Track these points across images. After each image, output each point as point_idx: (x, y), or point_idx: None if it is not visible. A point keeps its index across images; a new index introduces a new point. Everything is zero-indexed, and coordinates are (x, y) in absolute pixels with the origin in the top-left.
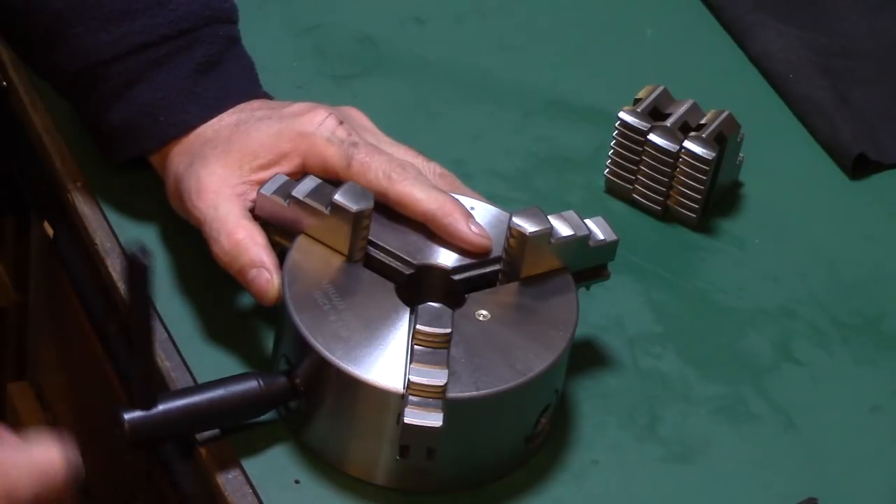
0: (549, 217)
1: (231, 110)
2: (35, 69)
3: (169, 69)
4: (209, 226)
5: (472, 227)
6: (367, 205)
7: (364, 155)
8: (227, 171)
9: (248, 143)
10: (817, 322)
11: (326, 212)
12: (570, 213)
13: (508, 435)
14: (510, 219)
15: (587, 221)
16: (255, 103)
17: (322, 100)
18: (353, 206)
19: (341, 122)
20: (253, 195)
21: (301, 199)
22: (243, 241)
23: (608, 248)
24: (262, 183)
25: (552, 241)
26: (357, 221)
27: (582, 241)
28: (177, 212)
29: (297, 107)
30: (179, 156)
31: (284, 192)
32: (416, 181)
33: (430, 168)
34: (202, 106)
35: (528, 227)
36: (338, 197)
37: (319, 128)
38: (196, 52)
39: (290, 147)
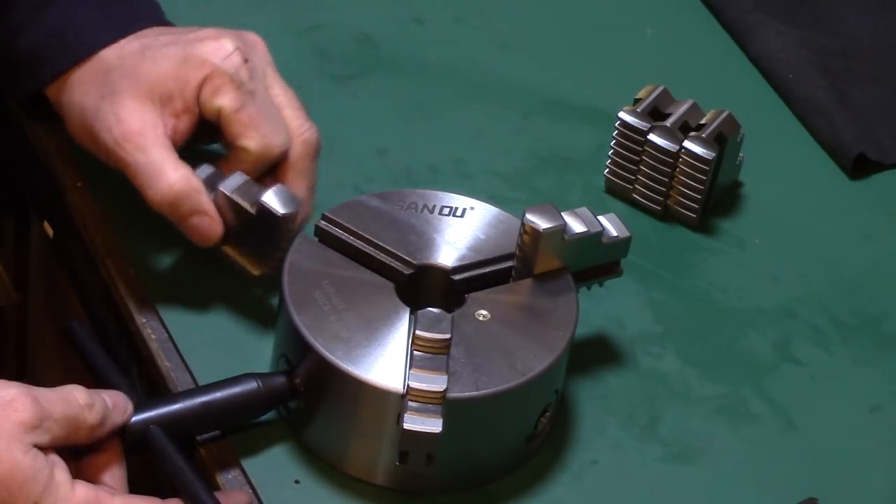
0: (562, 214)
1: (134, 35)
2: None
3: None
4: (141, 171)
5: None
6: (294, 209)
7: (255, 110)
8: (143, 108)
9: (155, 71)
10: (817, 322)
11: (252, 211)
12: (584, 210)
13: (508, 435)
14: (523, 215)
15: (600, 218)
16: (159, 29)
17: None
18: (280, 210)
19: (246, 61)
20: (171, 128)
21: (228, 194)
22: (183, 190)
23: (621, 245)
24: (177, 117)
25: (565, 237)
26: (284, 224)
27: (595, 238)
28: (82, 145)
29: (202, 32)
30: (83, 84)
31: (210, 183)
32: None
33: (302, 139)
34: (113, 27)
35: (541, 223)
36: (264, 198)
37: (224, 61)
38: None
39: (194, 74)
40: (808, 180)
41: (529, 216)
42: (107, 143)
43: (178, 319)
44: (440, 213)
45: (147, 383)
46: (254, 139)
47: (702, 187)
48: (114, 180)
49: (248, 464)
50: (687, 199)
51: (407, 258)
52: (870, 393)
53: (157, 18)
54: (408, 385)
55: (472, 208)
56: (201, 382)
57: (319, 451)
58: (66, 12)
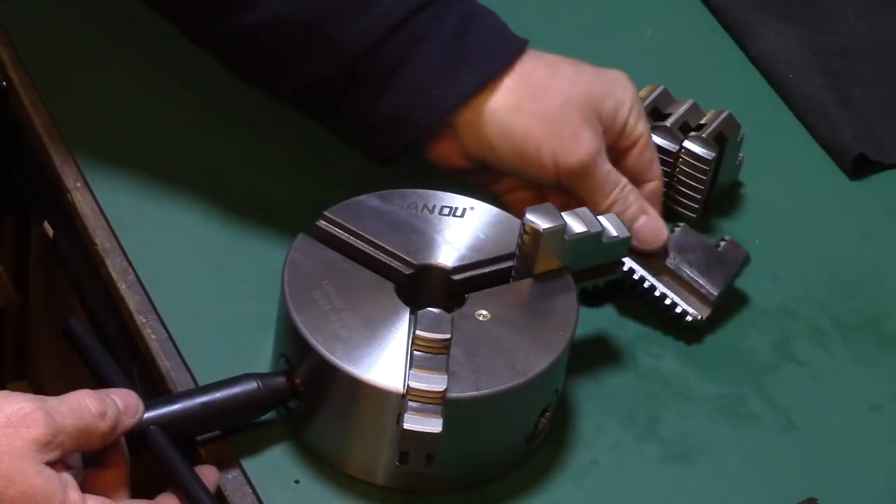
0: (562, 214)
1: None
2: (272, 91)
3: (428, 41)
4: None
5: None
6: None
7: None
8: (591, 129)
9: (593, 91)
10: (817, 322)
11: None
12: (584, 210)
13: (508, 435)
14: (523, 215)
15: (600, 218)
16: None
17: None
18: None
19: None
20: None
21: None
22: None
23: (621, 245)
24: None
25: (565, 237)
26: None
27: (595, 238)
28: (496, 164)
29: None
30: (481, 115)
31: None
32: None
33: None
34: (473, 71)
35: (542, 223)
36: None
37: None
38: (449, 16)
39: (625, 96)
40: (808, 180)
41: (529, 216)
42: (570, 164)
43: (178, 319)
44: (440, 213)
45: (147, 383)
46: (657, 171)
47: (702, 187)
48: (114, 180)
49: (248, 464)
50: (687, 199)
51: (407, 258)
52: (870, 393)
53: (513, 46)
54: (408, 385)
55: (472, 208)
56: (201, 382)
57: (319, 452)
58: (421, 67)
